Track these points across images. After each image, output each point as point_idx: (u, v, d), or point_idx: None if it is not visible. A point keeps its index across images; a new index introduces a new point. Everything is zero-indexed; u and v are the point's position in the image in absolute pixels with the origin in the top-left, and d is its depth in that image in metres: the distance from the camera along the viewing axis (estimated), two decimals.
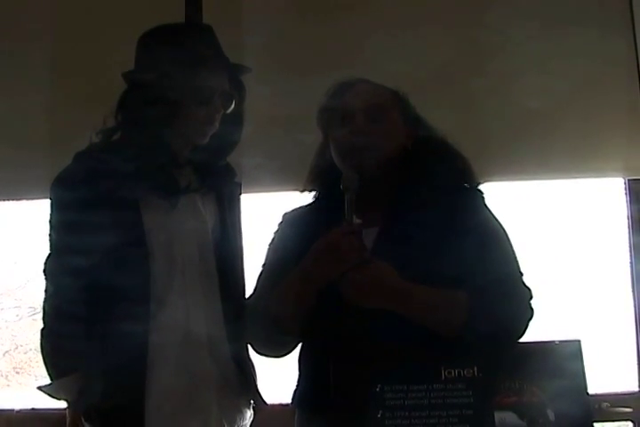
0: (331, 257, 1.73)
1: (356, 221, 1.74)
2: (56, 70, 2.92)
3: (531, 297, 1.80)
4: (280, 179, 2.83)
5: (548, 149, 2.86)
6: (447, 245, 1.77)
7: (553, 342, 1.67)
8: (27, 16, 2.98)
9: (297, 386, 1.93)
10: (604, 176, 2.96)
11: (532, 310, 1.79)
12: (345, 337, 1.73)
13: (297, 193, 2.08)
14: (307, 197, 2.06)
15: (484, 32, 2.90)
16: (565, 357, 1.63)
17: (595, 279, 3.04)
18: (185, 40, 1.93)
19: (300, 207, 2.03)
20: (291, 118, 2.79)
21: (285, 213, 2.04)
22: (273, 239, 2.01)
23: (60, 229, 1.88)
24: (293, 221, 2.00)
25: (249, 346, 1.96)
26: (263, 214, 2.84)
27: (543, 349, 1.67)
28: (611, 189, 2.99)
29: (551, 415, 1.59)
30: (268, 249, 2.00)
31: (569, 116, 2.89)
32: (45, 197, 1.94)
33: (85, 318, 1.82)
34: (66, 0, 3.02)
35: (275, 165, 2.77)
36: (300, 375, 1.93)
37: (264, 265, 1.98)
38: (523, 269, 1.84)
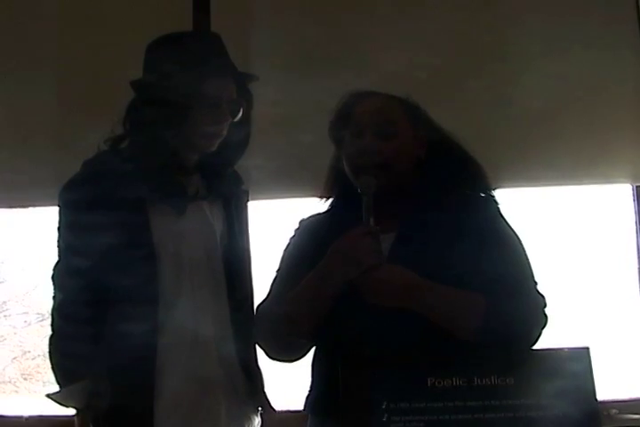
0: (348, 258, 1.74)
1: (378, 228, 1.76)
2: (64, 77, 2.93)
3: (545, 305, 1.80)
4: (280, 180, 2.84)
5: (555, 155, 2.86)
6: (462, 252, 1.78)
7: (562, 349, 1.67)
8: (32, 21, 2.99)
9: (310, 391, 1.93)
10: (612, 182, 2.97)
11: (546, 317, 1.79)
12: (356, 342, 1.73)
13: (301, 199, 2.07)
14: (314, 204, 2.06)
15: (489, 35, 2.90)
16: (574, 364, 1.63)
17: (603, 286, 3.04)
18: (193, 49, 1.94)
19: (317, 214, 2.04)
20: (292, 120, 2.79)
21: (302, 220, 2.04)
22: (288, 245, 2.01)
23: (69, 232, 1.89)
24: (310, 228, 2.00)
25: (260, 352, 1.95)
26: (269, 221, 2.86)
27: (552, 356, 1.67)
28: (618, 195, 2.99)
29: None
30: (283, 254, 2.00)
31: (576, 122, 2.89)
32: (53, 204, 1.95)
33: (94, 323, 1.83)
34: (73, 5, 3.03)
35: (275, 167, 2.77)
36: (312, 380, 1.93)
37: (278, 270, 1.98)
38: (537, 278, 1.84)
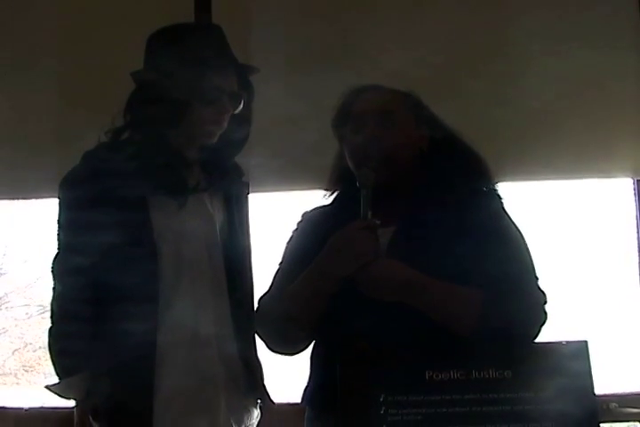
0: (346, 252, 1.75)
1: (376, 221, 1.76)
2: (65, 71, 2.94)
3: (545, 301, 1.80)
4: (282, 178, 2.85)
5: (556, 150, 2.86)
6: (462, 246, 1.77)
7: (560, 342, 1.67)
8: (33, 17, 2.99)
9: (307, 384, 1.93)
10: (613, 176, 2.96)
11: (545, 314, 1.79)
12: (353, 337, 1.73)
13: (301, 192, 2.07)
14: (314, 197, 2.06)
15: (490, 33, 2.90)
16: (572, 357, 1.63)
17: (603, 280, 3.04)
18: (193, 40, 1.93)
19: (320, 207, 2.04)
20: (294, 118, 2.79)
21: (305, 213, 2.05)
22: (291, 238, 2.01)
23: (69, 229, 1.89)
24: (313, 221, 2.00)
25: (262, 344, 1.95)
26: (269, 214, 2.86)
27: (550, 349, 1.67)
28: (619, 190, 2.99)
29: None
30: (286, 247, 2.00)
31: (576, 117, 2.89)
32: (54, 196, 1.95)
33: (93, 317, 1.82)
34: (74, 2, 3.03)
35: (277, 164, 2.77)
36: (310, 373, 1.93)
37: (281, 263, 1.98)
38: (538, 274, 1.83)
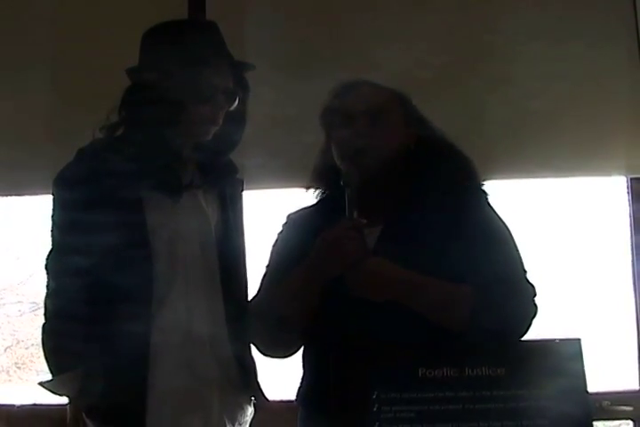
0: (334, 252, 1.75)
1: (362, 221, 1.76)
2: (59, 69, 2.93)
3: (535, 294, 1.80)
4: (281, 178, 2.84)
5: (550, 148, 2.86)
6: (450, 245, 1.78)
7: (553, 340, 1.67)
8: (29, 15, 2.98)
9: (301, 384, 1.94)
10: (607, 175, 2.97)
11: (535, 306, 1.79)
12: (346, 335, 1.73)
13: (298, 190, 2.08)
14: (308, 195, 2.06)
15: (487, 32, 2.90)
16: (565, 355, 1.63)
17: (596, 278, 3.05)
18: (188, 37, 1.93)
19: (304, 208, 2.04)
20: (292, 119, 2.79)
21: (289, 214, 2.04)
22: (276, 240, 2.01)
23: (62, 228, 1.88)
24: (297, 222, 2.01)
25: (252, 347, 1.96)
26: (264, 211, 2.86)
27: (543, 347, 1.67)
28: (613, 188, 2.99)
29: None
30: (272, 250, 2.00)
31: (571, 115, 2.89)
32: (48, 193, 1.94)
33: (87, 316, 1.81)
34: (68, 0, 3.03)
35: (275, 165, 2.77)
36: (303, 373, 1.93)
37: (267, 266, 1.98)
38: (526, 267, 1.84)
